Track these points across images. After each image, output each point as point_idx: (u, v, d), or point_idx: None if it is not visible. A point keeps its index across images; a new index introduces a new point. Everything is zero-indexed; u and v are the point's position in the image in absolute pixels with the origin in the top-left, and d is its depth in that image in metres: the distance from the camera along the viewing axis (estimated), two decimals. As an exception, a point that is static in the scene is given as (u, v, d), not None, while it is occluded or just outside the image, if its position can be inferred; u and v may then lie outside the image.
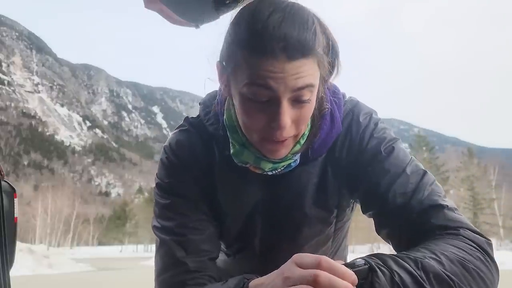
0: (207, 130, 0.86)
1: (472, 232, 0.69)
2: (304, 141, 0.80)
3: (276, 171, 0.81)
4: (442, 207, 0.72)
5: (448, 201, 0.74)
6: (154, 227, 0.86)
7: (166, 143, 0.90)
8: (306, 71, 0.68)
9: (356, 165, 0.81)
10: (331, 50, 0.75)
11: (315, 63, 0.69)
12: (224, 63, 0.75)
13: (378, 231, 0.79)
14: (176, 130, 0.91)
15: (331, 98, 0.84)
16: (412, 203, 0.73)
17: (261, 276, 0.67)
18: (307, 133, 0.80)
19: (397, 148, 0.81)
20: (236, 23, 0.71)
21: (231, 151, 0.80)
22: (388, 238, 0.78)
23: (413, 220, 0.73)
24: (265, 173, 0.81)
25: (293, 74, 0.66)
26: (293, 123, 0.71)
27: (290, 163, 0.80)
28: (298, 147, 0.78)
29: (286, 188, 0.84)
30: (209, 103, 0.88)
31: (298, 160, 0.82)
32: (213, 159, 0.87)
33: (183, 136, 0.88)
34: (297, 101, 0.69)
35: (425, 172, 0.78)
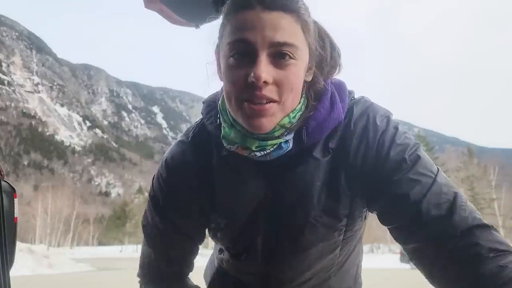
0: (207, 131, 0.85)
1: None
2: (295, 117, 0.75)
3: (265, 152, 0.75)
4: (489, 227, 0.68)
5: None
6: (143, 226, 0.95)
7: (163, 157, 0.90)
8: (286, 26, 0.67)
9: (375, 174, 0.76)
10: (331, 49, 0.78)
11: (298, 24, 0.69)
12: (217, 46, 0.77)
13: (403, 244, 0.74)
14: (175, 141, 0.90)
15: (332, 86, 0.81)
16: (455, 219, 0.68)
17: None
18: (299, 109, 0.75)
19: (422, 155, 0.76)
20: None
21: (221, 133, 0.78)
22: (416, 252, 0.72)
23: (456, 238, 0.67)
24: (252, 154, 0.75)
25: (270, 25, 0.66)
26: (274, 84, 0.68)
27: (280, 143, 0.75)
28: (286, 120, 0.73)
29: (288, 186, 0.80)
30: (211, 101, 0.87)
31: (291, 144, 0.76)
32: (211, 162, 0.85)
33: (178, 149, 0.88)
34: (278, 58, 0.68)
35: (456, 187, 0.74)
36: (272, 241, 0.86)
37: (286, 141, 0.75)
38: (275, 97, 0.69)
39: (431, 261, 0.69)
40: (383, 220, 0.78)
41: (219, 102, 0.82)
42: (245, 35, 0.67)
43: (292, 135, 0.76)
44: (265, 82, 0.67)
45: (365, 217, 0.88)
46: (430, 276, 0.70)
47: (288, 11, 0.68)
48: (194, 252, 0.96)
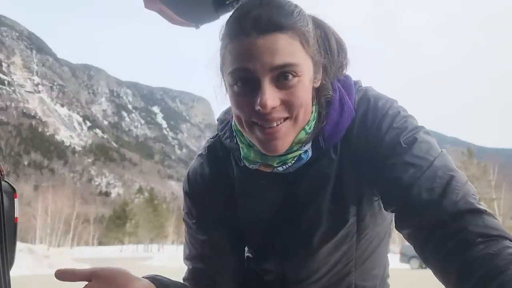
0: (224, 146, 0.86)
1: None
2: (311, 128, 0.76)
3: (287, 166, 0.76)
4: (481, 212, 0.64)
5: (484, 205, 0.66)
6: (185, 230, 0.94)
7: (186, 173, 0.92)
8: (283, 47, 0.67)
9: (374, 158, 0.75)
10: (337, 47, 0.78)
11: (295, 40, 0.68)
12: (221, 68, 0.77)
13: (399, 229, 0.73)
14: (195, 157, 0.92)
15: (339, 85, 0.81)
16: (444, 204, 0.65)
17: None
18: (312, 119, 0.76)
19: (420, 138, 0.73)
20: (225, 23, 0.73)
21: (241, 155, 0.79)
22: (410, 238, 0.70)
23: (445, 223, 0.64)
24: (275, 170, 0.77)
25: (267, 50, 0.66)
26: (283, 104, 0.69)
27: (300, 155, 0.76)
28: (303, 134, 0.74)
29: (304, 186, 0.81)
30: (224, 119, 0.88)
31: (311, 153, 0.77)
32: (230, 172, 0.87)
33: (197, 163, 0.91)
34: (281, 80, 0.68)
35: (456, 170, 0.70)
36: (288, 241, 0.87)
37: (305, 151, 0.76)
38: (286, 115, 0.70)
39: (423, 246, 0.67)
40: (383, 205, 0.77)
41: (233, 123, 0.82)
42: (244, 64, 0.67)
43: (310, 144, 0.77)
44: (272, 107, 0.67)
45: (379, 207, 0.84)
46: (423, 260, 0.68)
47: (284, 30, 0.67)
48: (234, 273, 0.93)
